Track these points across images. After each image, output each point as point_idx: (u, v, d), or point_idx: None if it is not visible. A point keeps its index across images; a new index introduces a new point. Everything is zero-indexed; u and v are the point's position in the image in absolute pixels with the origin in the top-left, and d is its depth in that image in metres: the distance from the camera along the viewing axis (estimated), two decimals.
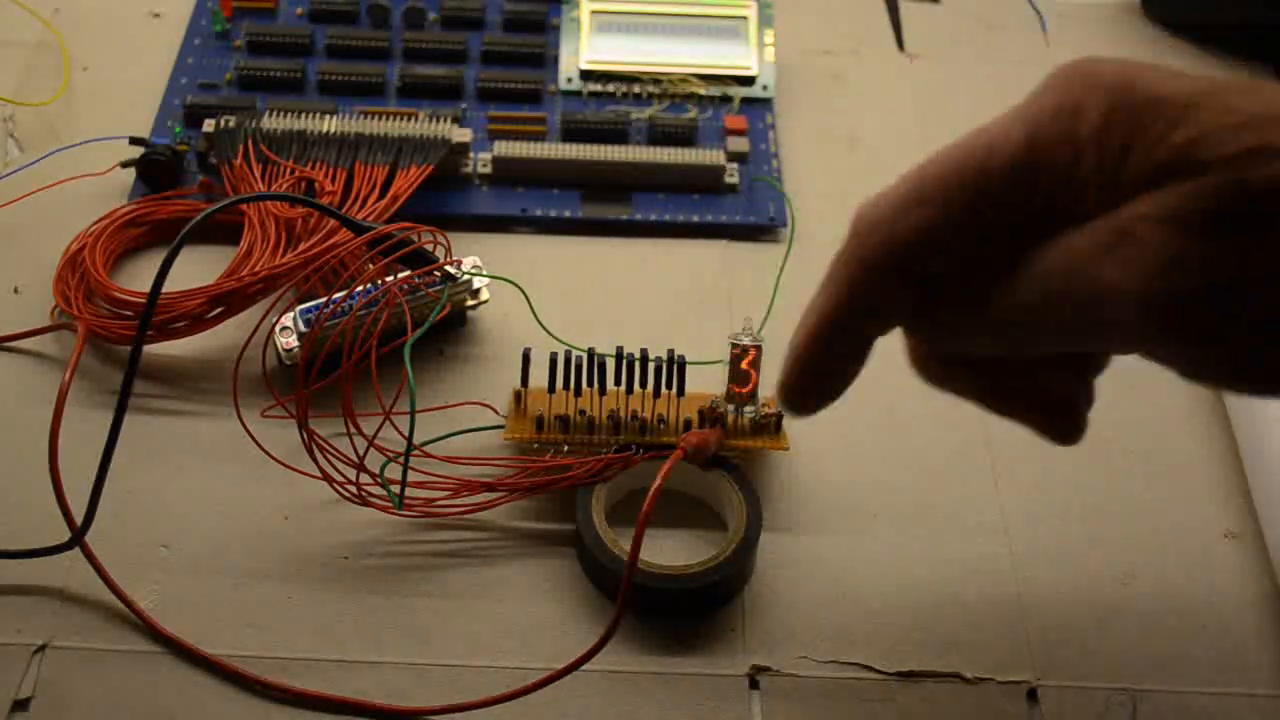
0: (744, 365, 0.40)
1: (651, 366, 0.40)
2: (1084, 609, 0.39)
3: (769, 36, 0.54)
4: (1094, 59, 0.27)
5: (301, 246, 0.43)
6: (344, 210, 0.44)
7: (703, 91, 0.53)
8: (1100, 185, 0.26)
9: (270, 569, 0.39)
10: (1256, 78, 0.56)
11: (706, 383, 0.41)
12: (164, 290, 0.38)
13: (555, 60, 0.54)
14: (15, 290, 0.45)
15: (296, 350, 0.42)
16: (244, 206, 0.45)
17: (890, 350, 0.45)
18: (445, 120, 0.48)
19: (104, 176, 0.48)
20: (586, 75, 0.53)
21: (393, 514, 0.39)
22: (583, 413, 0.41)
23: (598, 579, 0.39)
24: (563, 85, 0.53)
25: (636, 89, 0.53)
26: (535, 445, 0.41)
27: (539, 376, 0.40)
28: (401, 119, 0.48)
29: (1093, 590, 0.39)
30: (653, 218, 0.49)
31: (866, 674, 0.37)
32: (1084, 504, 0.42)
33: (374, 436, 0.38)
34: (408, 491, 0.38)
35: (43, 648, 0.37)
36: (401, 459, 0.38)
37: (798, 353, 0.30)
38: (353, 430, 0.38)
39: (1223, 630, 0.39)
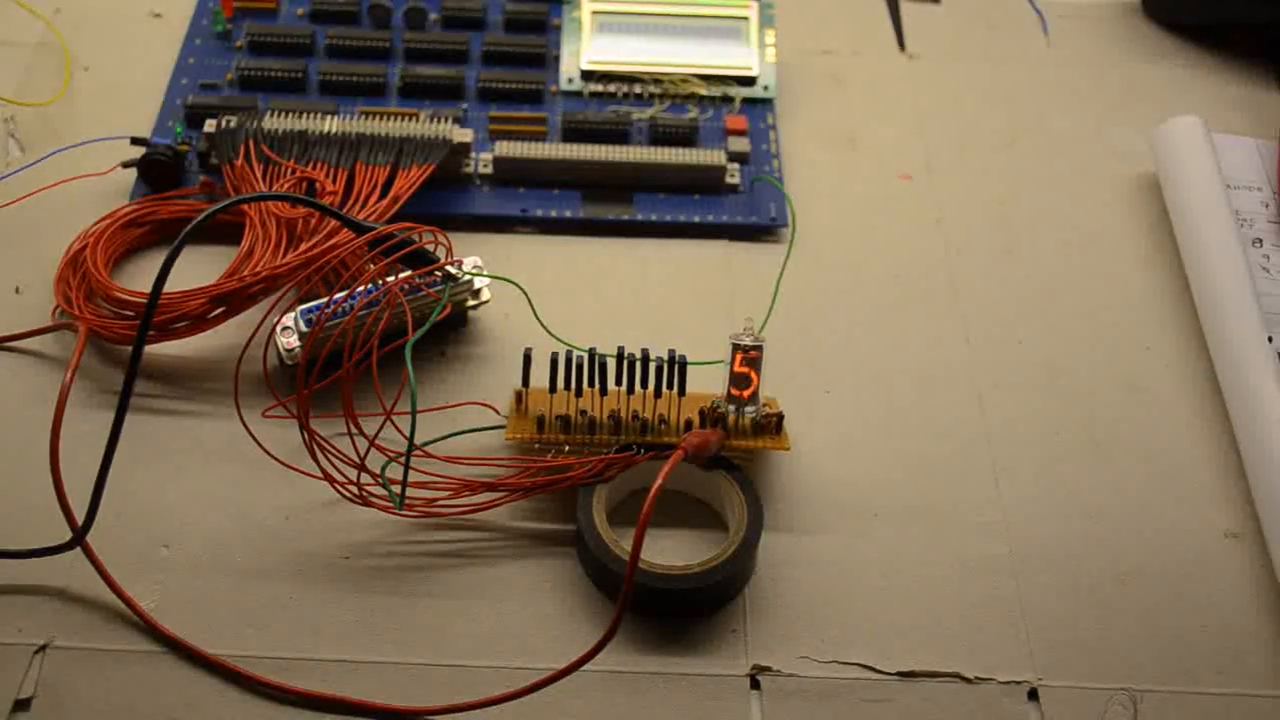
0: (745, 365, 0.40)
1: (652, 367, 0.40)
2: (1085, 609, 0.39)
3: (770, 37, 0.54)
4: None
5: (302, 247, 0.43)
6: (345, 210, 0.44)
7: (704, 92, 0.53)
8: None
9: (271, 569, 0.38)
10: (1256, 76, 0.56)
11: (707, 383, 0.41)
12: (165, 290, 0.38)
13: (556, 60, 0.54)
14: (16, 290, 0.45)
15: (297, 350, 0.41)
16: (245, 207, 0.44)
17: (891, 350, 0.45)
18: (446, 120, 0.48)
19: (105, 176, 0.47)
20: (587, 75, 0.53)
21: (394, 514, 0.39)
22: (584, 413, 0.40)
23: (599, 579, 0.39)
24: (564, 85, 0.53)
25: (637, 89, 0.53)
26: (536, 445, 0.40)
27: (540, 377, 0.40)
28: (402, 119, 0.48)
29: (1093, 590, 0.39)
30: (654, 218, 0.49)
31: (867, 674, 0.37)
32: (1084, 504, 0.41)
33: (375, 437, 0.38)
34: (409, 492, 0.38)
35: (44, 647, 0.36)
36: (402, 459, 0.37)
37: None
38: (354, 430, 0.38)
39: (1223, 630, 0.39)
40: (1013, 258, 0.49)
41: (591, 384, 0.40)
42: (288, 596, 0.38)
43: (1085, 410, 0.44)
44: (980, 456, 0.43)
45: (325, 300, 0.41)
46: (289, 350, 0.42)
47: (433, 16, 0.55)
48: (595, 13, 0.54)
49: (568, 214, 0.49)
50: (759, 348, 0.40)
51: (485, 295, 0.44)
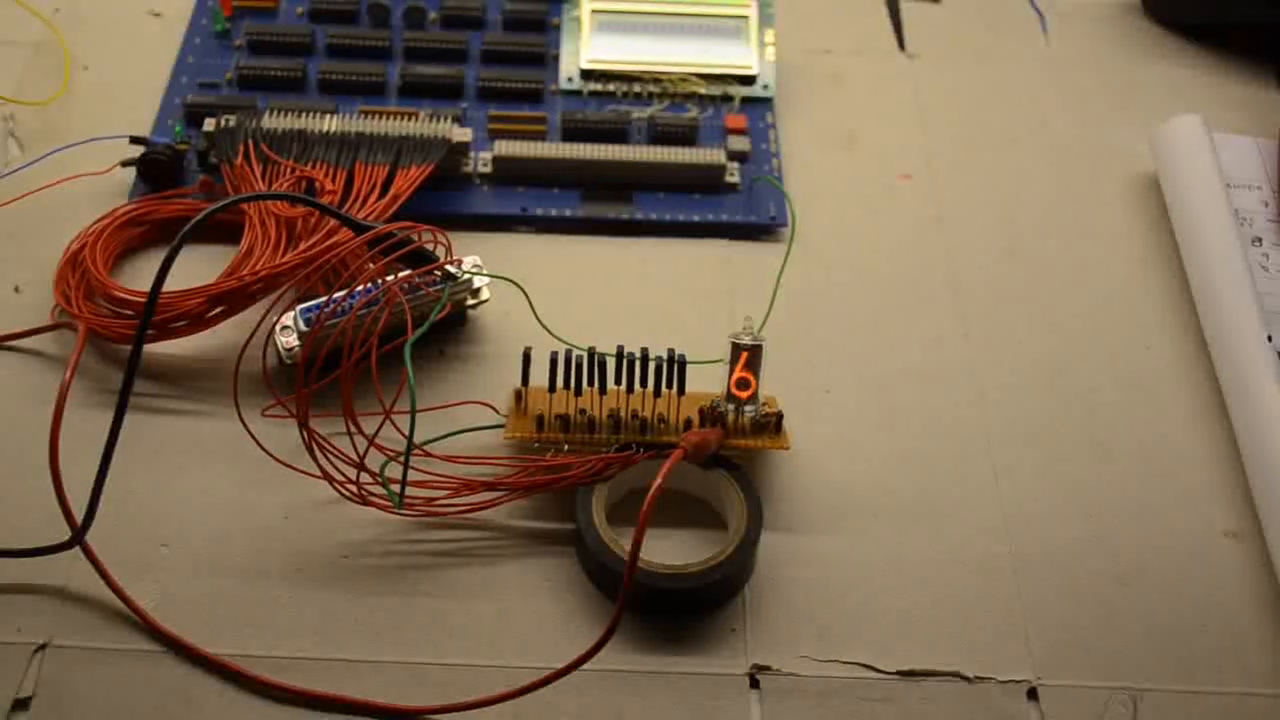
0: (744, 365, 0.40)
1: (652, 366, 0.40)
2: (1084, 608, 0.39)
3: (769, 36, 0.54)
4: None
5: (302, 246, 0.43)
6: (344, 210, 0.44)
7: (703, 91, 0.53)
8: None
9: (271, 568, 0.38)
10: (1257, 76, 0.56)
11: (707, 382, 0.41)
12: (164, 289, 0.38)
13: (555, 60, 0.54)
14: (16, 289, 0.45)
15: (297, 349, 0.41)
16: (244, 206, 0.44)
17: (891, 350, 0.45)
18: (445, 120, 0.48)
19: (104, 176, 0.47)
20: (587, 75, 0.53)
21: (393, 513, 0.39)
22: (583, 412, 0.40)
23: (598, 578, 0.39)
24: (563, 85, 0.53)
25: (637, 88, 0.53)
26: (535, 444, 0.40)
27: (539, 376, 0.40)
28: (402, 118, 0.48)
29: (1093, 589, 0.39)
30: (653, 217, 0.49)
31: (867, 673, 0.37)
32: (1084, 503, 0.41)
33: (374, 436, 0.38)
34: (408, 491, 0.38)
35: (43, 647, 0.36)
36: (402, 458, 0.37)
37: None
38: (353, 430, 0.38)
39: (1223, 629, 0.39)
40: (1013, 257, 0.49)
41: (591, 383, 0.40)
42: (287, 596, 0.38)
43: (1085, 409, 0.44)
44: (980, 455, 0.43)
45: (324, 299, 0.41)
46: (288, 349, 0.42)
47: (432, 16, 0.55)
48: (595, 12, 0.54)
49: (567, 213, 0.49)
50: (758, 347, 0.40)
51: (484, 294, 0.44)
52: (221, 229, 0.45)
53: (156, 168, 0.48)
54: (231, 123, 0.47)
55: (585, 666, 0.35)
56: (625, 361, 0.40)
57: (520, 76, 0.53)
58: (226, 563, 0.39)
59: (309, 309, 0.41)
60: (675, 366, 0.40)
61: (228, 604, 0.38)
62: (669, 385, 0.40)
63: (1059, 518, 0.41)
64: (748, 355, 0.40)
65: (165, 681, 0.36)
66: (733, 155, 0.50)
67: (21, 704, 0.35)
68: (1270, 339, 0.44)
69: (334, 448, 0.38)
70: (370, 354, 0.38)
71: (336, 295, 0.40)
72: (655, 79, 0.53)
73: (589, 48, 0.53)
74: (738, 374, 0.40)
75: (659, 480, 0.36)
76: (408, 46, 0.53)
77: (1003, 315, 0.47)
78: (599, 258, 0.48)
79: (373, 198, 0.45)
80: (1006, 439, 0.43)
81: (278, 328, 0.42)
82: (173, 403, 0.42)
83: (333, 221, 0.43)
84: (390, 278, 0.40)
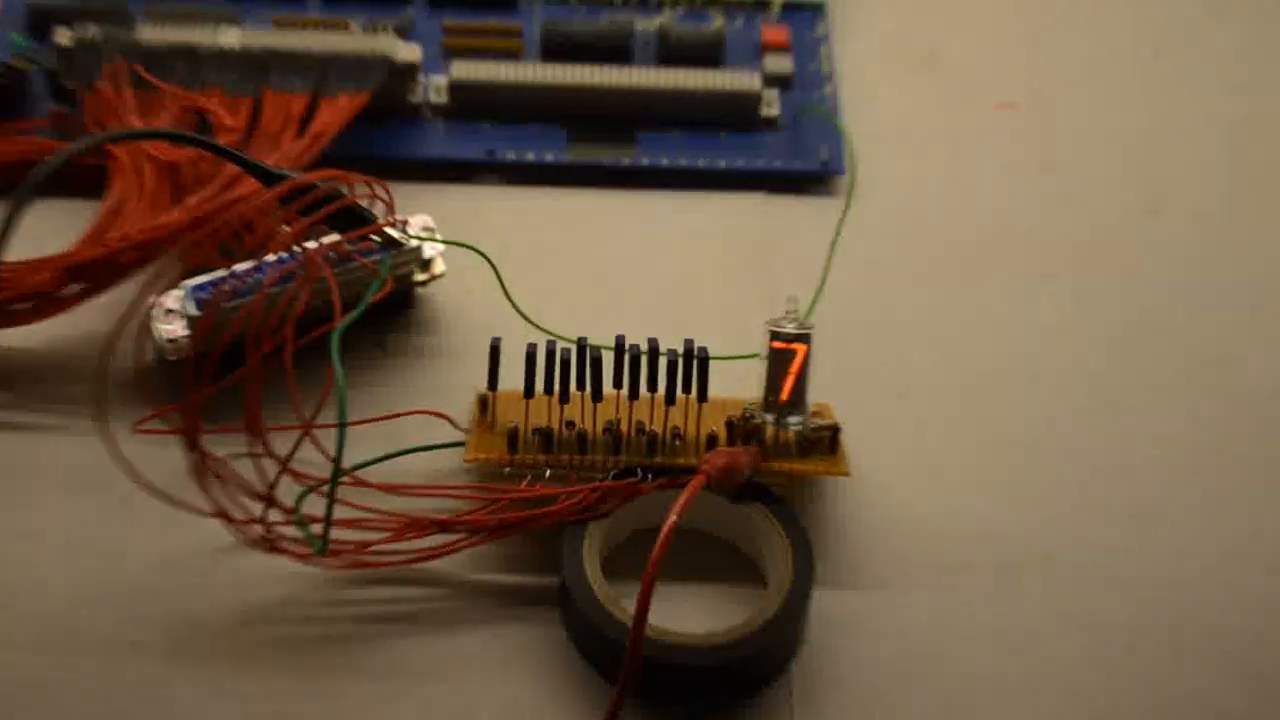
0: (787, 360, 0.40)
1: (663, 363, 0.40)
2: (1258, 698, 0.38)
3: None
4: None
5: (191, 201, 0.43)
6: (248, 153, 0.44)
7: None
8: None
9: (144, 641, 0.38)
10: None
11: (737, 384, 0.41)
12: (2, 260, 0.37)
13: None
14: None
15: (184, 341, 0.41)
16: (112, 147, 0.44)
17: (986, 342, 0.44)
18: (386, 32, 0.48)
19: None
20: None
21: (313, 563, 0.38)
22: (571, 425, 0.40)
23: (590, 650, 0.38)
24: None
25: None
26: (507, 469, 0.40)
27: (512, 377, 0.40)
28: (327, 31, 0.48)
29: (1271, 673, 0.39)
30: (664, 163, 0.49)
31: None
32: (1260, 554, 0.41)
33: (289, 458, 0.37)
34: (334, 532, 0.37)
35: None
36: (326, 489, 0.37)
37: None
38: (260, 450, 0.37)
39: None
40: (1157, 218, 0.49)
41: (582, 386, 0.40)
42: (165, 678, 0.37)
43: (1256, 425, 0.44)
44: (1107, 486, 0.42)
45: (223, 274, 0.41)
46: (173, 341, 0.41)
47: None
48: None
49: (549, 158, 0.49)
50: (806, 337, 0.40)
51: (438, 267, 0.44)
52: (81, 178, 0.45)
53: None
54: (94, 34, 0.47)
55: None
56: (627, 357, 0.40)
57: None
58: (82, 632, 0.38)
59: (201, 287, 0.41)
60: (695, 364, 0.40)
61: (80, 690, 0.37)
62: (686, 389, 0.40)
63: (1222, 571, 0.40)
64: (792, 348, 0.40)
65: None
66: (771, 80, 0.51)
67: None
68: None
69: (233, 474, 0.37)
70: (285, 347, 0.37)
71: (239, 268, 0.40)
72: None
73: None
74: (778, 373, 0.40)
75: (673, 517, 0.35)
76: None
77: (1142, 297, 0.47)
78: (591, 218, 0.48)
79: (288, 136, 0.46)
80: (1146, 463, 0.43)
81: (159, 312, 0.41)
82: (13, 414, 0.42)
83: (233, 169, 0.43)
84: (312, 244, 0.40)
